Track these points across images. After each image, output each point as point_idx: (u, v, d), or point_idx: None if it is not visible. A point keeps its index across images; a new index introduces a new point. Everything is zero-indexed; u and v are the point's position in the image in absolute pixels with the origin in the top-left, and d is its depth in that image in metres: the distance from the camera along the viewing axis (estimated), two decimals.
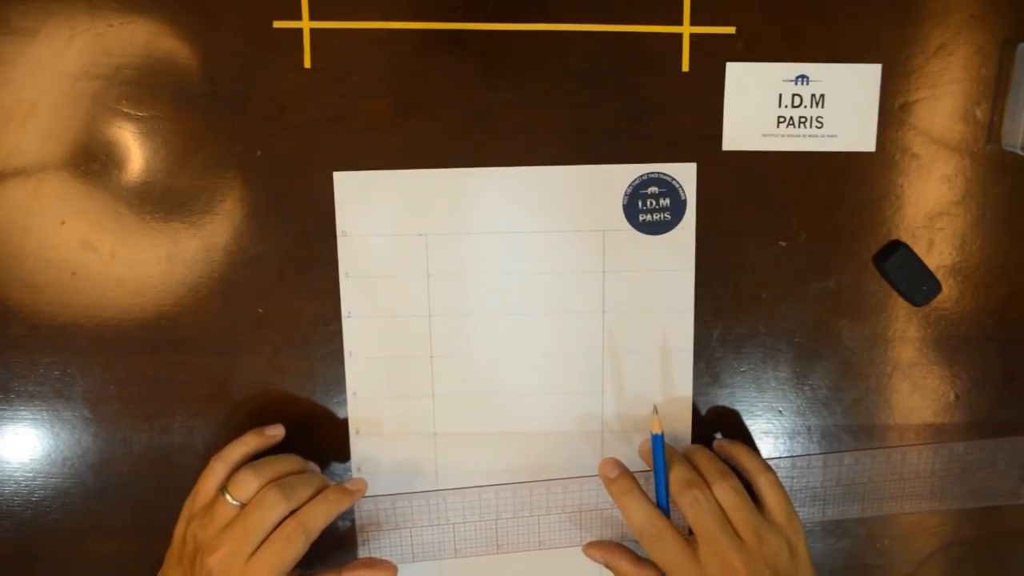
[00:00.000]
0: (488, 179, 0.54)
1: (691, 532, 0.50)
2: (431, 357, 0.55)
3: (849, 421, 0.57)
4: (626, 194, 0.54)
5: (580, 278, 0.55)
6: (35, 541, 0.56)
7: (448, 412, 0.56)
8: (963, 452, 0.57)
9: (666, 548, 0.49)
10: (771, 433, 0.57)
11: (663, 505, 0.51)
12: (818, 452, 0.57)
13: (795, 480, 0.57)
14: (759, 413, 0.57)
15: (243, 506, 0.49)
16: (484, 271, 0.55)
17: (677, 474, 0.51)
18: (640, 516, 0.50)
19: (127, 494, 0.56)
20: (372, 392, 0.55)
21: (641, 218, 0.55)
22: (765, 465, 0.53)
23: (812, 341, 0.56)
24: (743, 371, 0.56)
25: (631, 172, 0.54)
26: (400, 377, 0.55)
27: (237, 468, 0.51)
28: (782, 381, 0.57)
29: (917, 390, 0.57)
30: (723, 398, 0.57)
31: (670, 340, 0.56)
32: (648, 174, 0.54)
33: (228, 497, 0.49)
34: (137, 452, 0.56)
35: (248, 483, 0.49)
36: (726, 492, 0.50)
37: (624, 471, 0.52)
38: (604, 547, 0.54)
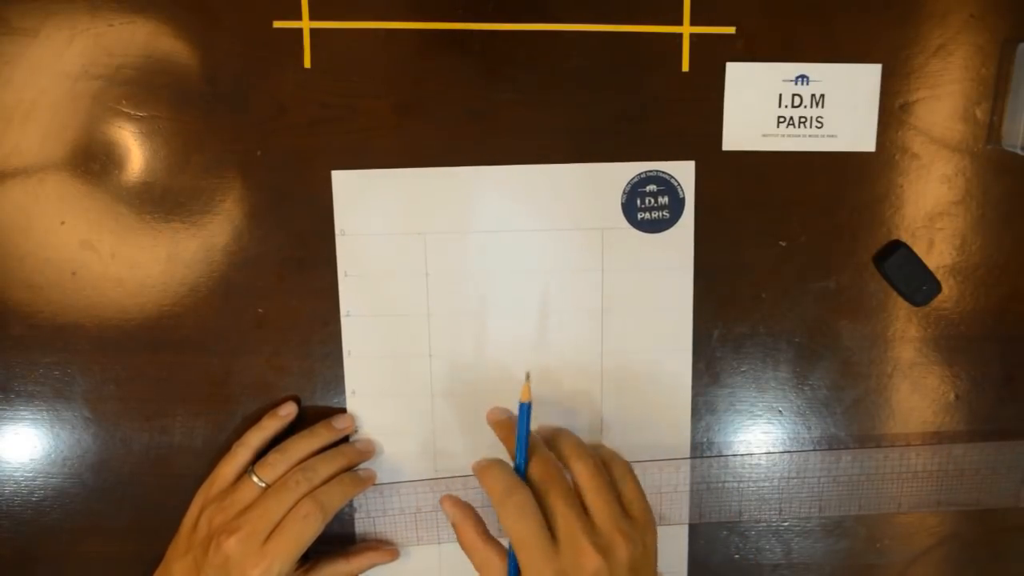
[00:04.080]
0: (487, 178, 0.54)
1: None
2: (430, 356, 0.55)
3: (849, 421, 0.57)
4: (624, 192, 0.54)
5: (579, 276, 0.55)
6: (35, 541, 0.56)
7: (447, 411, 0.56)
8: (962, 454, 0.57)
9: (527, 520, 0.46)
10: (771, 433, 0.57)
11: (522, 474, 0.48)
12: (817, 450, 0.57)
13: (793, 479, 0.57)
14: (759, 413, 0.57)
15: (268, 488, 0.51)
16: (483, 270, 0.55)
17: (537, 463, 0.48)
18: (501, 482, 0.47)
19: (127, 494, 0.56)
20: (371, 391, 0.55)
21: (639, 216, 0.55)
22: (616, 454, 0.51)
23: (812, 341, 0.56)
24: (743, 371, 0.56)
25: (629, 170, 0.54)
26: (399, 376, 0.55)
27: (258, 452, 0.53)
28: (782, 381, 0.57)
29: (917, 390, 0.57)
30: (723, 398, 0.57)
31: (670, 340, 0.56)
32: (646, 172, 0.54)
33: (255, 478, 0.51)
34: (137, 452, 0.56)
35: (276, 465, 0.51)
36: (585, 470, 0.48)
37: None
38: (458, 506, 0.50)
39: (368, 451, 0.55)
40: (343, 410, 0.56)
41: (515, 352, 0.55)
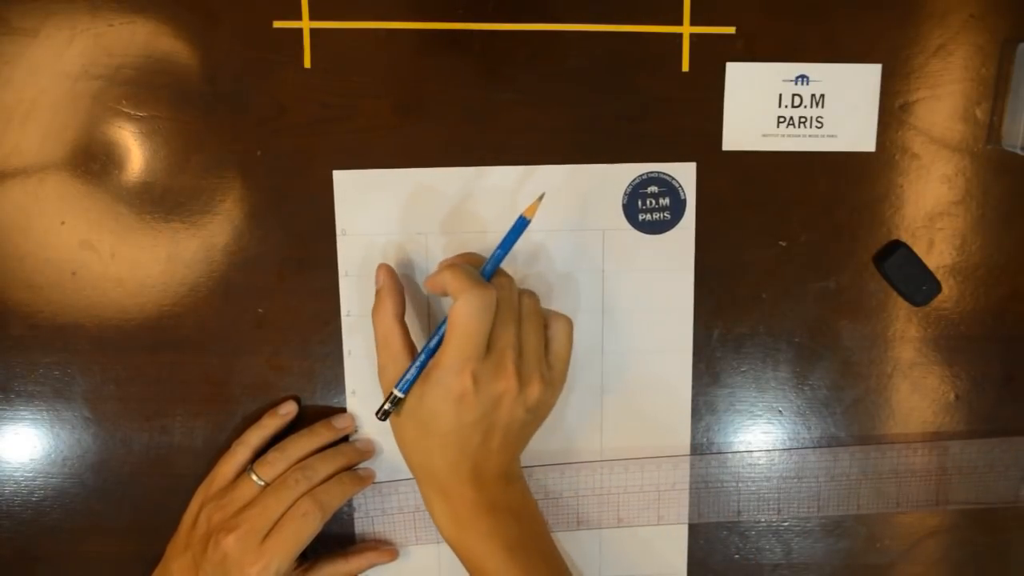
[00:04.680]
0: (487, 178, 0.54)
1: None
2: None
3: (849, 421, 0.57)
4: (626, 193, 0.54)
5: (579, 277, 0.55)
6: (35, 541, 0.56)
7: None
8: (960, 452, 0.57)
9: (482, 314, 0.46)
10: (771, 433, 0.57)
11: (489, 271, 0.49)
12: (817, 448, 0.57)
13: (793, 478, 0.57)
14: (759, 413, 0.57)
15: (267, 486, 0.51)
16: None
17: (502, 278, 0.49)
18: (470, 279, 0.47)
19: (127, 494, 0.56)
20: (371, 391, 0.55)
21: (641, 217, 0.55)
22: (563, 314, 0.51)
23: (812, 341, 0.56)
24: (743, 371, 0.56)
25: (631, 171, 0.54)
26: None
27: (258, 451, 0.53)
28: (782, 381, 0.57)
29: (917, 390, 0.57)
30: (723, 398, 0.57)
31: (670, 340, 0.56)
32: (648, 173, 0.54)
33: (255, 477, 0.51)
34: (137, 452, 0.56)
35: (276, 464, 0.52)
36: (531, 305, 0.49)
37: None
38: (392, 278, 0.51)
39: (368, 451, 0.55)
40: (343, 410, 0.56)
41: None
